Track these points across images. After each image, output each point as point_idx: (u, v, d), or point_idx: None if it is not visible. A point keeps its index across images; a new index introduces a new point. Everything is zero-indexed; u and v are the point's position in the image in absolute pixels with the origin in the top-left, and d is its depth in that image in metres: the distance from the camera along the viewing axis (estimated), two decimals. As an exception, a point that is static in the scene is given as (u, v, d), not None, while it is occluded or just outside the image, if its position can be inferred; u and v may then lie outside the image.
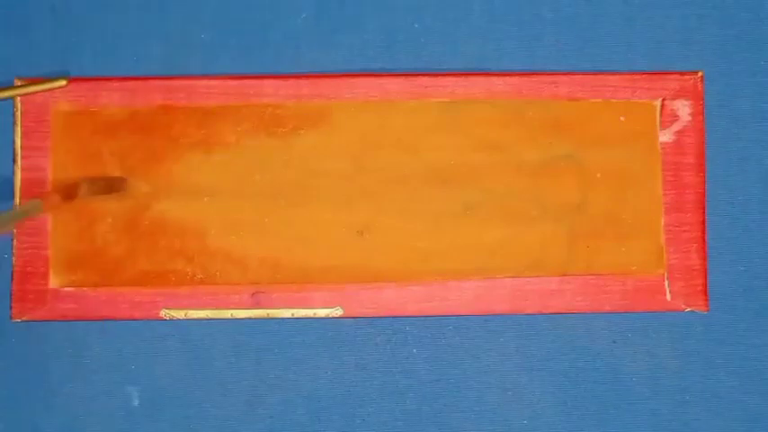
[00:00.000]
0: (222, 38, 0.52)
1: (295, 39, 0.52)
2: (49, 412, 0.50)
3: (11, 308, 0.49)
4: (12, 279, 0.49)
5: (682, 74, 0.51)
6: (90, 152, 0.50)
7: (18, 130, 0.50)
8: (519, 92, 0.50)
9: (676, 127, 0.50)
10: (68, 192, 0.47)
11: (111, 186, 0.49)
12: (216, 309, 0.49)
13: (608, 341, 0.51)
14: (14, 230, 0.49)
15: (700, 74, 0.50)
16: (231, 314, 0.49)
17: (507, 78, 0.50)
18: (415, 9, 0.52)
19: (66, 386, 0.50)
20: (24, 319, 0.49)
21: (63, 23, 0.52)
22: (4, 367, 0.50)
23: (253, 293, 0.49)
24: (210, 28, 0.52)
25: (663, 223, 0.50)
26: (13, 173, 0.50)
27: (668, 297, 0.50)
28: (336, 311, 0.49)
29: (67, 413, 0.50)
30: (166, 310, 0.49)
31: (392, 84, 0.50)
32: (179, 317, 0.49)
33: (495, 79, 0.50)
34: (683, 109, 0.50)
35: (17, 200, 0.50)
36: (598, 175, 0.50)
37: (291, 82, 0.50)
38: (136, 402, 0.50)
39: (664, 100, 0.50)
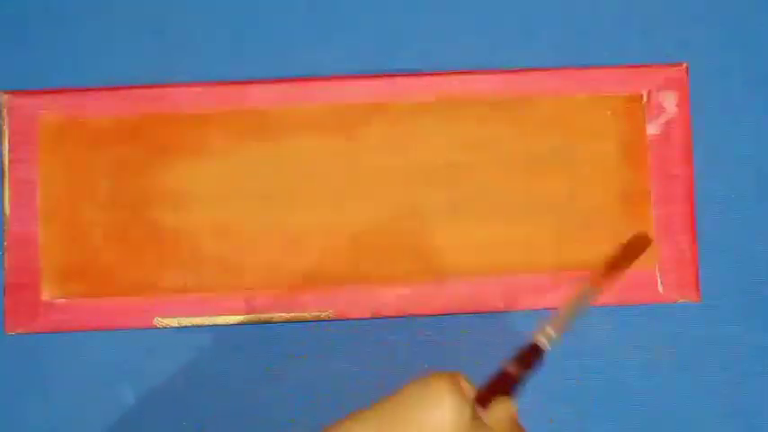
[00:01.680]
0: (213, 42, 0.52)
1: (290, 39, 0.52)
2: (45, 421, 0.50)
3: (4, 321, 0.49)
4: (3, 292, 0.49)
5: (667, 66, 0.51)
6: (79, 163, 0.50)
7: (5, 143, 0.50)
8: (507, 89, 0.51)
9: (663, 119, 0.50)
10: (614, 266, 0.41)
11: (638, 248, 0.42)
12: (209, 315, 0.49)
13: (603, 335, 0.51)
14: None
15: (684, 65, 0.51)
16: (225, 320, 0.49)
17: (495, 75, 0.50)
18: (415, 9, 0.52)
19: (60, 399, 0.50)
20: (18, 332, 0.49)
21: (51, 32, 0.52)
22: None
23: (246, 299, 0.49)
24: (201, 33, 0.52)
25: (653, 216, 0.50)
26: (2, 186, 0.50)
27: (660, 289, 0.50)
28: (330, 314, 0.49)
29: (63, 428, 0.50)
30: (159, 319, 0.49)
31: (387, 84, 0.50)
32: (172, 325, 0.49)
33: (484, 77, 0.50)
34: (670, 100, 0.50)
35: (6, 209, 0.50)
36: (587, 170, 0.50)
37: (280, 86, 0.50)
38: (131, 409, 0.50)
39: (650, 92, 0.51)
